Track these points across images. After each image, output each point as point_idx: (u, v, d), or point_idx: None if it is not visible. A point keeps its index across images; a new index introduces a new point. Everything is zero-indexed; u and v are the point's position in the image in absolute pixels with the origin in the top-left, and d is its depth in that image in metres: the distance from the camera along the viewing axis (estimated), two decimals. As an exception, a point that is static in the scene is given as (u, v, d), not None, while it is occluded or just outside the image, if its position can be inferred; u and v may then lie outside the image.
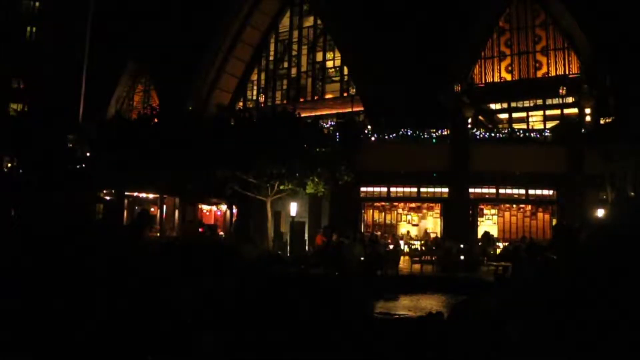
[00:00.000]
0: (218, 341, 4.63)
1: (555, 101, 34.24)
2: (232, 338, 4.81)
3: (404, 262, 22.36)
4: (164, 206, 30.41)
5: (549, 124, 32.39)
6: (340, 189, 24.92)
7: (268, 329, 5.00)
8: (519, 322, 4.26)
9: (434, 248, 23.92)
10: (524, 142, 27.30)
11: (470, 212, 27.59)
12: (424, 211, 30.09)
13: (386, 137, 28.25)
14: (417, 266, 22.20)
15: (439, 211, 28.89)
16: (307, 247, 24.46)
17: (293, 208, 23.96)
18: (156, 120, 27.39)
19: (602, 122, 28.81)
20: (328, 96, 41.11)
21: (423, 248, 25.28)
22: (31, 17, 43.42)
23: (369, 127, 30.30)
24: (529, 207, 28.36)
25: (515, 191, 27.55)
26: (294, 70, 43.29)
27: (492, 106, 36.40)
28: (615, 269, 3.86)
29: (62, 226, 7.50)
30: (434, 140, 27.73)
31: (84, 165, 28.42)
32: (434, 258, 22.75)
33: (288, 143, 21.64)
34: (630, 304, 3.53)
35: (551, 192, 27.35)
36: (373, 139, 28.66)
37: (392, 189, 28.59)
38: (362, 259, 17.78)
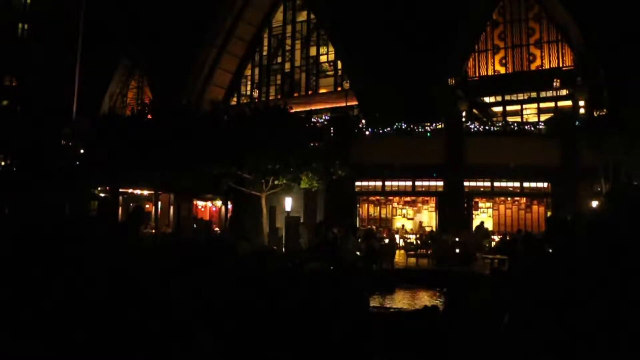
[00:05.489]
0: (215, 341, 4.59)
1: (549, 94, 34.32)
2: (228, 337, 4.77)
3: (399, 256, 22.41)
4: (159, 202, 30.31)
5: (543, 117, 32.43)
6: (335, 183, 24.87)
7: (264, 326, 4.97)
8: (515, 315, 4.25)
9: (429, 242, 23.95)
10: (518, 135, 27.35)
11: (465, 205, 27.63)
12: (419, 205, 30.10)
13: (380, 131, 28.23)
14: (412, 260, 22.28)
15: (434, 205, 28.92)
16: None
17: (288, 203, 23.94)
18: (150, 116, 27.24)
19: (596, 114, 28.87)
20: (322, 91, 41.06)
21: (418, 242, 25.31)
22: (23, 14, 43.06)
23: (363, 121, 30.26)
24: (523, 200, 28.39)
25: (510, 184, 27.59)
26: (287, 65, 43.22)
27: (486, 99, 36.44)
28: (614, 261, 3.84)
29: (55, 223, 7.43)
30: (428, 134, 27.74)
31: (77, 163, 28.27)
32: (429, 251, 22.79)
33: (280, 138, 21.55)
34: (630, 297, 3.51)
35: (546, 184, 27.40)
36: (367, 133, 28.65)
37: (387, 183, 28.60)
38: (358, 253, 17.78)
